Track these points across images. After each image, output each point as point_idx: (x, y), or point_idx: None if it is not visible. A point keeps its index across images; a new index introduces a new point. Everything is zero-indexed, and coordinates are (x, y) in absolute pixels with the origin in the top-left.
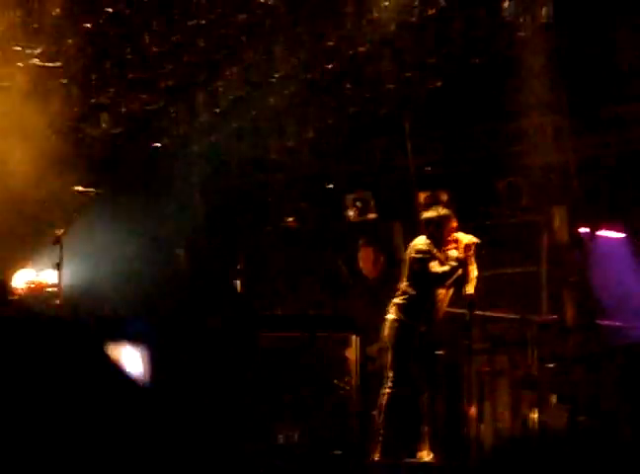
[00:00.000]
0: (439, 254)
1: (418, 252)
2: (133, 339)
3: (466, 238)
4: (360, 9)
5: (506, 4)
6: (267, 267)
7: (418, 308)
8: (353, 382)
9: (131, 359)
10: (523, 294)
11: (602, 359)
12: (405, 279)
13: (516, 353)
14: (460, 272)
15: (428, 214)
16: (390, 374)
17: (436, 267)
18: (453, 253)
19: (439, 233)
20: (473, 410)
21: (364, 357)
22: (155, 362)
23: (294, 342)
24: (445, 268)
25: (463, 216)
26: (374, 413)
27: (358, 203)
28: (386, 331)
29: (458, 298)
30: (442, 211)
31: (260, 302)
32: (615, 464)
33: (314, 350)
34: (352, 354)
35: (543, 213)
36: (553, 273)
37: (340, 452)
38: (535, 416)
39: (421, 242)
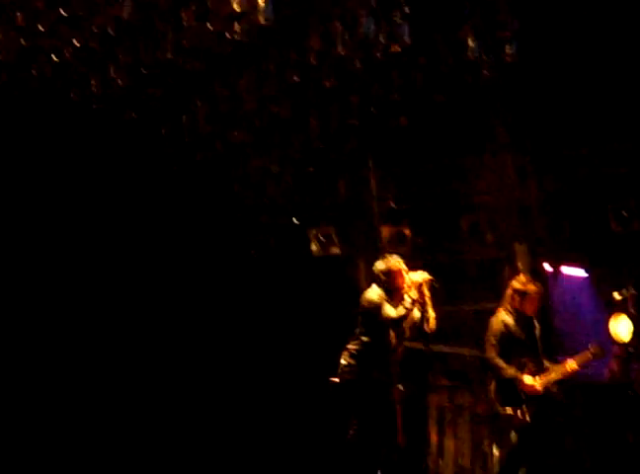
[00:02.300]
0: (391, 301)
1: (369, 303)
2: None
3: (418, 276)
4: (325, 44)
5: (470, 43)
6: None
7: (372, 355)
8: None
9: None
10: (485, 331)
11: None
12: (359, 326)
13: (477, 388)
14: (417, 313)
15: (378, 266)
16: (354, 421)
17: (388, 311)
18: (409, 296)
19: (390, 282)
20: None
21: None
22: None
23: None
24: (400, 311)
25: (426, 252)
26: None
27: (321, 238)
28: (342, 377)
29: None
30: (393, 263)
31: None
32: None
33: None
34: None
35: (505, 250)
36: None
37: None
38: (496, 452)
39: (372, 292)
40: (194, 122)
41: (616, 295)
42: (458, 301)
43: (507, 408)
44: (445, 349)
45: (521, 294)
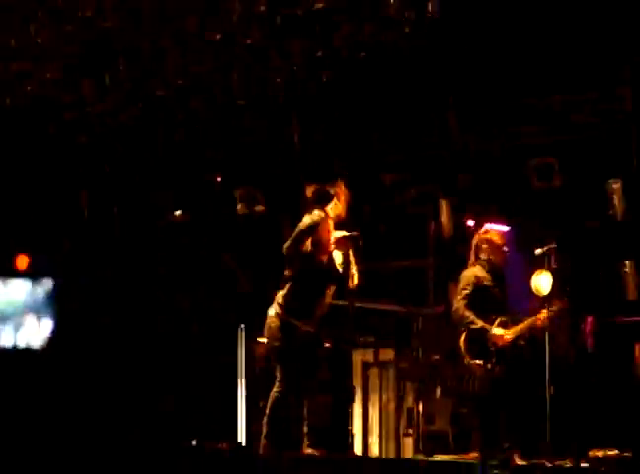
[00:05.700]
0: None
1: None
2: None
3: (341, 233)
4: (245, 2)
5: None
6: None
7: (301, 306)
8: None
9: None
10: (410, 287)
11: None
12: (288, 278)
13: (401, 345)
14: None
15: (304, 220)
16: (278, 375)
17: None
18: (338, 255)
19: (317, 237)
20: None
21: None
22: None
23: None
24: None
25: (351, 208)
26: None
27: (245, 196)
28: (269, 330)
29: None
30: (316, 217)
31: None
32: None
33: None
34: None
35: (430, 206)
36: (439, 265)
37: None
38: (420, 408)
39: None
40: (115, 83)
41: (537, 251)
42: (383, 258)
43: (476, 361)
44: (369, 305)
45: (487, 244)
